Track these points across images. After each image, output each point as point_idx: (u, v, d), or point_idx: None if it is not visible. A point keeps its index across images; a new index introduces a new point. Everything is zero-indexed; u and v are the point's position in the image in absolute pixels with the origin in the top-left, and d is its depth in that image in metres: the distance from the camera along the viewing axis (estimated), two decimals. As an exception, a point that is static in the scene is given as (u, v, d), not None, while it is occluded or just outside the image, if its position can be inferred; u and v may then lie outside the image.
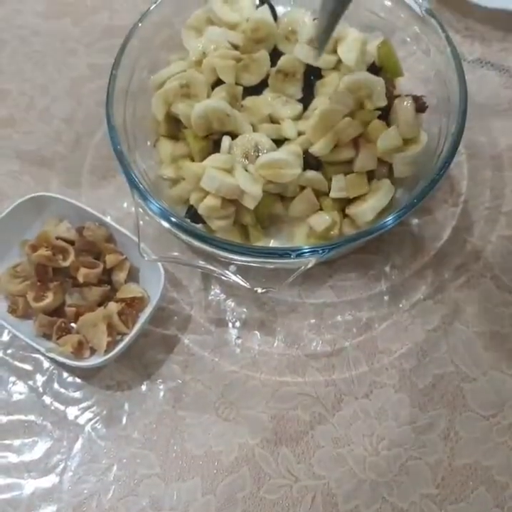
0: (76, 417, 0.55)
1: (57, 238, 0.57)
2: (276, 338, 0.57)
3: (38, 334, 0.55)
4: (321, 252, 0.48)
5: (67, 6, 0.76)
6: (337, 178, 0.54)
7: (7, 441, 0.54)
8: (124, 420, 0.55)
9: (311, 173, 0.54)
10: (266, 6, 0.59)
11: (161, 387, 0.56)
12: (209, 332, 0.58)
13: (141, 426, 0.54)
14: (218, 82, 0.56)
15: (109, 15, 0.75)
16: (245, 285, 0.51)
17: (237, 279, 0.51)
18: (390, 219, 0.49)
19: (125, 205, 0.63)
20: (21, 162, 0.66)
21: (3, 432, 0.55)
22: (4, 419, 0.55)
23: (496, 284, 0.58)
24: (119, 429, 0.54)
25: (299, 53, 0.55)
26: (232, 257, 0.50)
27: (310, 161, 0.54)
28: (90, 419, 0.55)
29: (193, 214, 0.55)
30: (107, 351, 0.53)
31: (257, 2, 0.60)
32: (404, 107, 0.54)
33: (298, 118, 0.56)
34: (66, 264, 0.56)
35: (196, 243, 0.50)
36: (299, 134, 0.55)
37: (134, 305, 0.56)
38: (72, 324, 0.56)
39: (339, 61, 0.56)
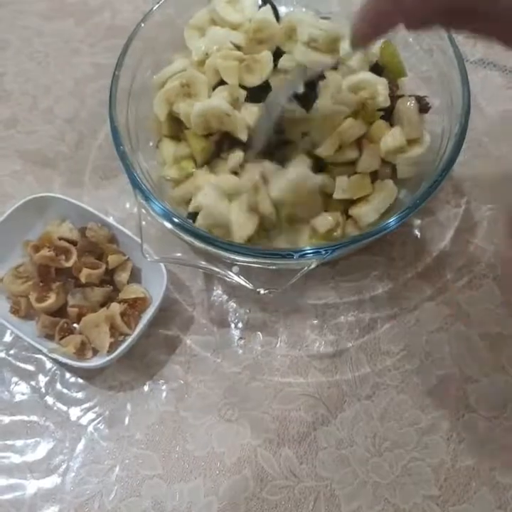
0: (78, 417, 0.55)
1: (60, 239, 0.57)
2: (279, 339, 0.57)
3: (41, 335, 0.55)
4: (323, 253, 0.48)
5: (70, 7, 0.76)
6: (340, 179, 0.53)
7: (9, 442, 0.54)
8: (127, 421, 0.55)
9: (319, 177, 0.53)
10: (268, 7, 0.59)
11: (164, 387, 0.56)
12: (211, 333, 0.58)
13: (144, 427, 0.54)
14: (221, 83, 0.56)
15: (112, 15, 0.75)
16: (248, 286, 0.51)
17: (239, 279, 0.51)
18: (393, 220, 0.49)
19: (128, 205, 0.63)
20: (24, 162, 0.66)
21: (5, 432, 0.55)
22: (7, 419, 0.55)
23: (498, 285, 0.58)
24: (121, 430, 0.54)
25: (299, 54, 0.55)
26: (235, 257, 0.50)
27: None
28: (93, 420, 0.55)
29: (195, 215, 0.55)
30: (109, 352, 0.53)
31: (260, 2, 0.60)
32: (407, 107, 0.54)
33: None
34: (68, 264, 0.56)
35: (199, 244, 0.50)
36: (303, 135, 0.54)
37: (137, 306, 0.56)
38: (75, 325, 0.56)
39: (342, 61, 0.56)
